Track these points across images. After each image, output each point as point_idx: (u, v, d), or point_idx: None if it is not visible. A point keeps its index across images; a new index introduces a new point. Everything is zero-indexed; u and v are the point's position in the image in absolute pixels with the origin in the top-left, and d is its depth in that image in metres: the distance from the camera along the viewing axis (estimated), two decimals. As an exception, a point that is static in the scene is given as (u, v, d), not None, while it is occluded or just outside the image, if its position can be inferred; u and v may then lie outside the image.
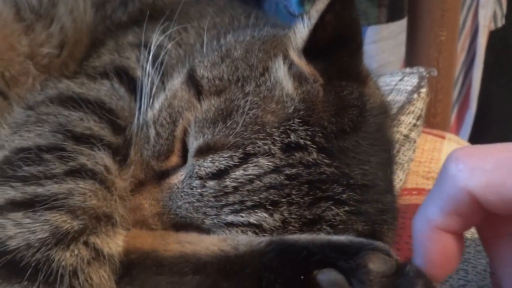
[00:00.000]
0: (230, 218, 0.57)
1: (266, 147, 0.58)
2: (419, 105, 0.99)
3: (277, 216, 0.56)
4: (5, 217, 0.52)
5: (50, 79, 0.74)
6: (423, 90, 1.01)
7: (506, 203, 0.42)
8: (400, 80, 1.05)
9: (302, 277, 0.49)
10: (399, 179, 0.86)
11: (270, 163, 0.57)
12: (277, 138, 0.58)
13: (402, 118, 0.96)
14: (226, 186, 0.57)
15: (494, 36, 1.71)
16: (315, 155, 0.58)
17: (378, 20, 1.24)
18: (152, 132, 0.64)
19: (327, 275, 0.48)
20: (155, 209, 0.61)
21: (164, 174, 0.63)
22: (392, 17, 1.26)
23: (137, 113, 0.66)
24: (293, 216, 0.57)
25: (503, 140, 0.46)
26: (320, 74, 0.62)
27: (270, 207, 0.57)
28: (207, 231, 0.59)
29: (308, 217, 0.57)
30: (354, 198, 0.59)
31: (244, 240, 0.55)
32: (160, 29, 0.74)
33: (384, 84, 1.01)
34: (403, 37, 1.33)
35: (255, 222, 0.56)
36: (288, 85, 0.62)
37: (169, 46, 0.74)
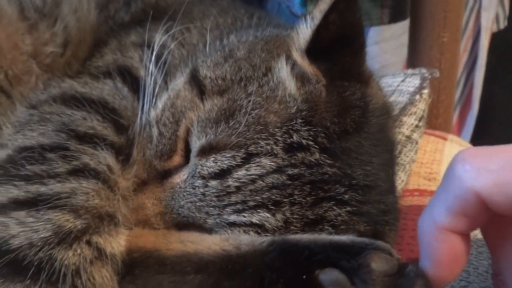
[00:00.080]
0: (233, 218, 0.57)
1: (268, 147, 0.58)
2: (421, 106, 0.99)
3: (279, 216, 0.57)
4: (8, 216, 0.52)
5: (53, 79, 0.74)
6: (425, 91, 1.01)
7: None
8: (402, 81, 1.05)
9: (304, 276, 0.49)
10: (401, 180, 0.86)
11: (272, 163, 0.58)
12: (279, 138, 0.58)
13: (404, 119, 0.96)
14: (228, 186, 0.58)
15: (496, 37, 1.71)
16: (317, 155, 0.58)
17: (380, 21, 1.24)
18: (155, 131, 0.64)
19: (329, 275, 0.48)
20: (157, 208, 0.61)
21: (166, 174, 0.63)
22: (395, 18, 1.26)
23: (140, 112, 0.67)
24: (295, 216, 0.57)
25: (505, 142, 0.46)
26: (323, 75, 0.62)
27: (272, 207, 0.57)
28: (209, 230, 0.59)
29: (310, 217, 0.57)
30: (356, 199, 0.59)
31: (246, 240, 0.55)
32: (163, 29, 0.74)
33: (386, 85, 1.01)
34: (405, 38, 1.33)
35: (257, 222, 0.57)
36: (290, 85, 0.62)
37: (172, 46, 0.74)
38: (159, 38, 0.73)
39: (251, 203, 0.57)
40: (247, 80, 0.63)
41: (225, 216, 0.58)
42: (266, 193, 0.57)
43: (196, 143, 0.61)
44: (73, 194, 0.54)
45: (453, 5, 1.31)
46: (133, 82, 0.71)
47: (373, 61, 1.25)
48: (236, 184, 0.57)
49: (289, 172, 0.57)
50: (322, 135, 0.59)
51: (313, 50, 0.63)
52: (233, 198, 0.57)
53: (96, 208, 0.54)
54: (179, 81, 0.68)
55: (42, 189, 0.54)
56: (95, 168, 0.58)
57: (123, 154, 0.62)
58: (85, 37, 0.79)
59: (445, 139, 1.11)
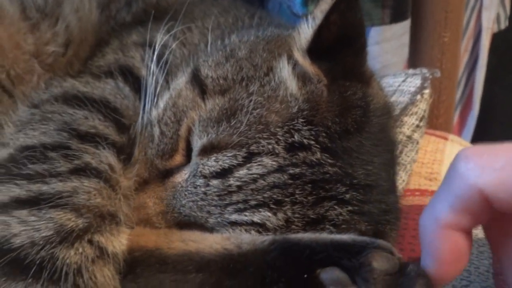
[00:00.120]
0: (234, 217, 0.57)
1: (270, 146, 0.58)
2: (422, 106, 1.00)
3: (280, 215, 0.57)
4: (10, 215, 0.52)
5: (55, 78, 0.74)
6: (426, 91, 1.01)
7: None
8: (403, 81, 1.05)
9: (305, 275, 0.49)
10: (402, 179, 0.86)
11: (274, 163, 0.58)
12: (281, 138, 0.59)
13: (405, 119, 0.96)
14: (230, 185, 0.58)
15: (497, 38, 1.70)
16: (318, 155, 0.58)
17: (381, 21, 1.24)
18: (156, 131, 0.65)
19: (330, 274, 0.48)
20: (159, 207, 0.61)
21: (168, 173, 0.63)
22: (396, 18, 1.26)
23: (141, 112, 0.67)
24: (296, 215, 0.57)
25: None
26: (324, 74, 0.62)
27: (273, 206, 0.57)
28: (211, 229, 0.59)
29: (312, 216, 0.57)
30: (357, 198, 0.59)
31: (247, 239, 0.55)
32: (165, 29, 0.74)
33: (387, 85, 1.02)
34: (406, 38, 1.33)
35: (258, 221, 0.57)
36: (292, 85, 0.62)
37: (174, 45, 0.74)
38: (160, 38, 0.73)
39: (253, 202, 0.57)
40: (248, 79, 0.63)
41: (226, 215, 0.58)
42: (267, 192, 0.57)
43: (197, 142, 0.61)
44: (75, 193, 0.54)
45: (454, 5, 1.31)
46: (135, 82, 0.71)
47: (374, 61, 1.25)
48: (238, 183, 0.57)
49: (291, 171, 0.58)
50: (324, 134, 0.59)
51: (315, 50, 0.63)
52: (235, 197, 0.57)
53: (97, 207, 0.55)
54: (181, 81, 0.68)
55: (44, 188, 0.54)
56: (96, 167, 0.58)
57: (124, 153, 0.62)
58: (86, 36, 0.80)
59: (446, 139, 1.11)
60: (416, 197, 0.88)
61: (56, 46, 0.75)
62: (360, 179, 0.59)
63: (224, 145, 0.59)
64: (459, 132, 1.81)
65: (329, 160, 0.58)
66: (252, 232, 0.57)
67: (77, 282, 0.50)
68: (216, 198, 0.58)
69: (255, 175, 0.57)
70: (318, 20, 0.62)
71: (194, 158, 0.61)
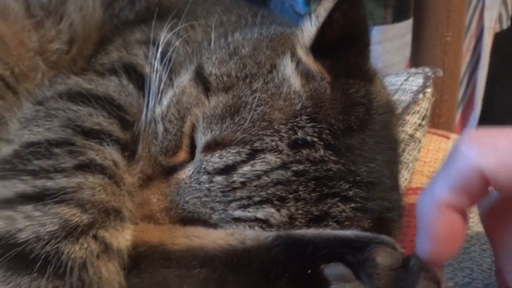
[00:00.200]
0: (238, 213, 0.58)
1: (273, 143, 0.58)
2: (424, 105, 1.00)
3: (284, 211, 0.57)
4: (15, 210, 0.52)
5: (58, 75, 0.74)
6: (429, 90, 1.01)
7: None
8: (406, 80, 1.05)
9: (309, 271, 0.49)
10: (404, 178, 0.86)
11: (277, 159, 0.58)
12: (284, 135, 0.59)
13: (408, 117, 0.96)
14: (233, 182, 0.58)
15: (499, 37, 1.70)
16: (322, 152, 0.59)
17: (384, 20, 1.24)
18: (160, 128, 0.65)
19: (334, 269, 0.48)
20: (162, 204, 0.61)
21: (172, 170, 0.63)
22: (398, 18, 1.26)
23: (145, 109, 0.67)
24: (300, 212, 0.57)
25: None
26: (328, 72, 0.62)
27: (277, 203, 0.57)
28: (214, 226, 0.59)
29: (315, 213, 0.57)
30: (360, 195, 0.59)
31: (251, 235, 0.55)
32: (168, 27, 0.75)
33: (390, 84, 1.01)
34: (408, 37, 1.32)
35: (262, 217, 0.57)
36: (295, 82, 0.62)
37: (177, 43, 0.74)
38: (164, 36, 0.73)
39: (256, 199, 0.57)
40: (252, 77, 0.64)
41: (230, 212, 0.58)
42: (271, 188, 0.57)
43: (201, 139, 0.61)
44: (80, 189, 0.54)
45: (456, 5, 1.31)
46: (138, 79, 0.71)
47: (376, 60, 1.25)
48: (241, 179, 0.58)
49: (294, 168, 0.58)
50: (327, 131, 0.59)
51: (318, 48, 0.63)
52: (238, 194, 0.58)
53: (102, 203, 0.55)
54: (184, 78, 0.68)
55: (49, 183, 0.54)
56: (101, 163, 0.58)
57: (128, 150, 0.62)
58: (90, 34, 0.80)
59: (448, 138, 1.11)
60: (418, 196, 0.88)
61: (60, 44, 0.76)
62: (363, 176, 0.59)
63: (228, 142, 0.59)
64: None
65: (333, 157, 0.59)
66: (256, 228, 0.57)
67: (82, 277, 0.50)
68: (219, 194, 0.58)
69: (258, 172, 0.58)
70: (322, 18, 0.62)
71: (198, 155, 0.61)
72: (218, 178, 0.58)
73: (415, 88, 1.02)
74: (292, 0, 1.18)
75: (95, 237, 0.53)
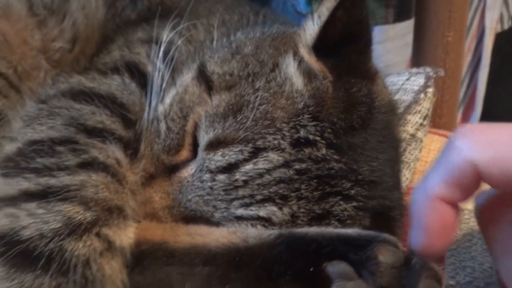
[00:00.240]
0: (240, 211, 0.58)
1: (276, 142, 0.58)
2: (425, 105, 1.00)
3: (286, 210, 0.57)
4: (19, 208, 0.53)
5: (61, 74, 0.74)
6: (430, 90, 1.01)
7: (509, 178, 0.43)
8: (407, 79, 1.05)
9: (311, 269, 0.50)
10: (406, 177, 0.87)
11: (279, 158, 0.58)
12: (286, 133, 0.59)
13: (409, 117, 0.97)
14: (236, 180, 0.58)
15: (500, 38, 1.70)
16: (324, 150, 0.59)
17: (385, 20, 1.24)
18: (162, 126, 0.65)
19: (336, 267, 0.48)
20: (165, 202, 0.61)
21: (174, 168, 0.63)
22: (399, 18, 1.26)
23: (147, 107, 0.67)
24: (302, 210, 0.57)
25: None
26: (330, 71, 0.63)
27: (279, 201, 0.57)
28: (217, 224, 0.59)
29: (317, 211, 0.57)
30: (362, 194, 0.59)
31: (253, 233, 0.56)
32: (171, 26, 0.75)
33: (391, 84, 1.01)
34: (410, 37, 1.32)
35: (264, 215, 0.57)
36: (298, 81, 0.63)
37: (179, 42, 0.74)
38: (166, 35, 0.73)
39: (259, 197, 0.57)
40: (254, 75, 0.64)
41: (232, 210, 0.58)
42: (273, 187, 0.57)
43: (204, 138, 0.61)
44: (83, 187, 0.55)
45: (457, 5, 1.30)
46: (141, 78, 0.71)
47: (378, 60, 1.24)
48: (244, 178, 0.58)
49: (296, 166, 0.58)
50: (329, 130, 0.59)
51: (320, 47, 0.63)
52: (241, 192, 0.58)
53: (105, 201, 0.55)
54: (187, 77, 0.68)
55: (52, 181, 0.55)
56: (104, 161, 0.58)
57: (131, 148, 0.62)
58: (93, 33, 0.80)
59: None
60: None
61: (63, 43, 0.76)
62: (365, 175, 0.60)
63: (231, 140, 0.59)
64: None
65: (335, 156, 0.59)
66: (258, 226, 0.57)
67: (85, 274, 0.50)
68: (222, 192, 0.58)
69: (261, 170, 0.58)
70: (324, 17, 0.62)
71: (201, 153, 0.61)
72: (221, 177, 0.58)
73: (416, 87, 1.02)
74: (294, 0, 1.18)
75: (98, 234, 0.53)
